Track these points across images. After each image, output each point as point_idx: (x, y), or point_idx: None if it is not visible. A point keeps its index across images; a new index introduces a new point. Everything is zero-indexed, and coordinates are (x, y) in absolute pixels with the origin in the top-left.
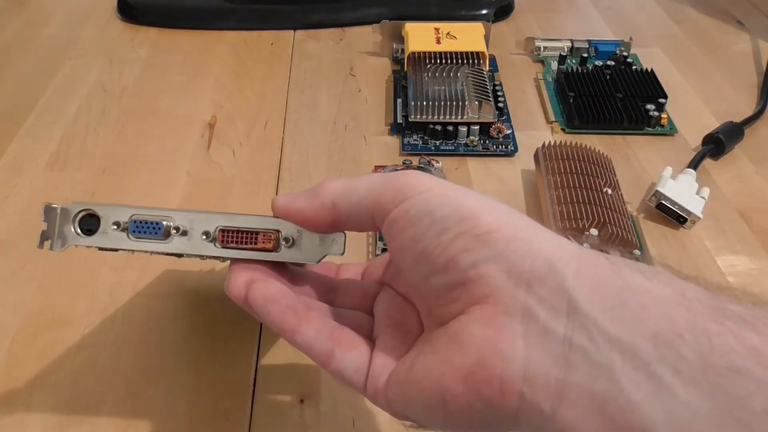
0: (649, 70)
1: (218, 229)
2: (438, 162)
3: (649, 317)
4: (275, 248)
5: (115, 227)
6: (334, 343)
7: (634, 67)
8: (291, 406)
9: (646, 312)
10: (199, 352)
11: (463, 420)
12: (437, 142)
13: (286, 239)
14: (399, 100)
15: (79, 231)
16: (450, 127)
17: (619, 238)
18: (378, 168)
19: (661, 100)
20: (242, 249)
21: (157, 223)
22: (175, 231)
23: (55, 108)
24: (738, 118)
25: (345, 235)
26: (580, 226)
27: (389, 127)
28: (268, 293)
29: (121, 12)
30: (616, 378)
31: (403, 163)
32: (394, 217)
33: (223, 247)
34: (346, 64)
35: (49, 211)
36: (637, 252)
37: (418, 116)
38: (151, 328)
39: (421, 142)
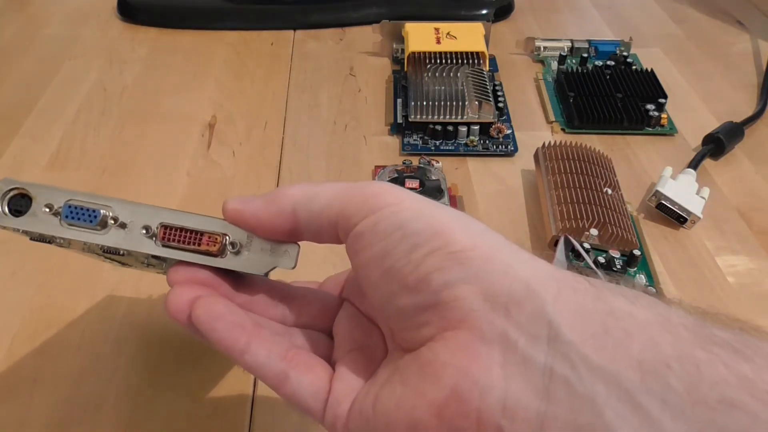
0: (649, 70)
1: (160, 225)
2: (438, 162)
3: (633, 344)
4: (220, 253)
5: (47, 210)
6: (288, 365)
7: (634, 67)
8: (291, 406)
9: (630, 339)
10: (199, 352)
11: None
12: (437, 142)
13: (233, 244)
14: (399, 100)
15: (6, 210)
16: (450, 127)
17: (619, 238)
18: (378, 168)
19: (661, 100)
20: (183, 250)
21: (93, 211)
22: (113, 222)
23: (55, 108)
24: (738, 118)
25: (299, 248)
26: (580, 226)
27: (389, 127)
28: (215, 310)
29: (121, 12)
30: (600, 411)
31: (403, 163)
32: (360, 229)
33: (163, 246)
34: (346, 64)
35: None
36: (637, 252)
37: (418, 116)
38: (151, 327)
39: (421, 142)
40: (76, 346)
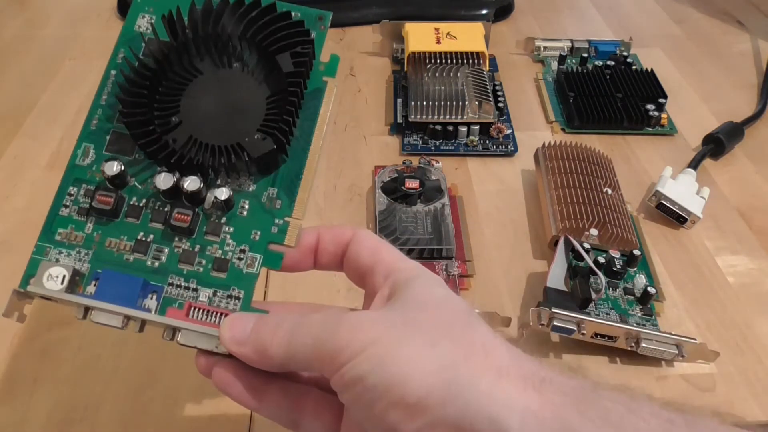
0: (649, 70)
1: (177, 342)
2: (438, 162)
3: None
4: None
5: (76, 317)
6: (298, 414)
7: (634, 67)
8: None
9: None
10: None
11: None
12: (437, 142)
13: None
14: (399, 100)
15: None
16: (450, 127)
17: (619, 238)
18: (378, 168)
19: (661, 100)
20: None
21: (118, 326)
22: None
23: (55, 108)
24: (738, 118)
25: None
26: (580, 226)
27: (389, 127)
28: (226, 379)
29: (121, 12)
30: None
31: (404, 163)
32: (334, 382)
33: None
34: (346, 64)
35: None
36: (637, 252)
37: (418, 116)
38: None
39: (421, 142)
40: (76, 346)
